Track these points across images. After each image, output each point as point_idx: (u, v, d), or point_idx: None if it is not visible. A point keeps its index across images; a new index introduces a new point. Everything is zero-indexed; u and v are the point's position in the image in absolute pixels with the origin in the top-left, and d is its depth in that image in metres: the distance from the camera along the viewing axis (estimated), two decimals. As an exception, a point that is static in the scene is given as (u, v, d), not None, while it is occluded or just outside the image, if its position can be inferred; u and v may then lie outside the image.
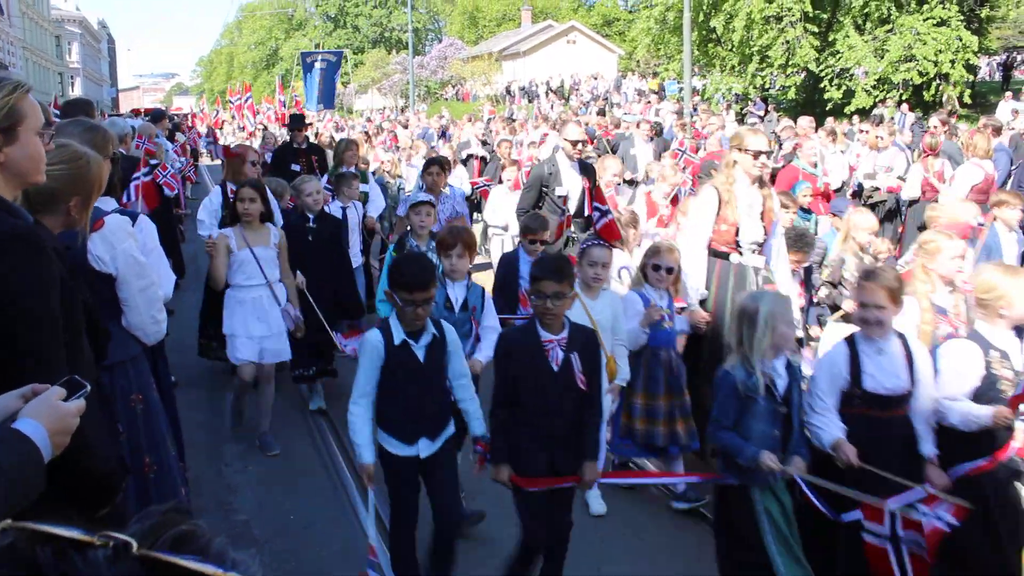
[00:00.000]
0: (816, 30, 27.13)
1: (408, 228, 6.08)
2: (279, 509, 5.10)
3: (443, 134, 22.81)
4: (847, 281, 5.95)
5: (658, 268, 5.07)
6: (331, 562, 4.51)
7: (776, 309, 3.69)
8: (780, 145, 14.32)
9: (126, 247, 3.40)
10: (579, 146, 7.74)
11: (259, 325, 5.82)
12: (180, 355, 7.39)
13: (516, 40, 56.74)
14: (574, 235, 7.31)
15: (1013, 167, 10.64)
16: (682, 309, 5.31)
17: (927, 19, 24.90)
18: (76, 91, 72.37)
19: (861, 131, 14.10)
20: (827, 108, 25.65)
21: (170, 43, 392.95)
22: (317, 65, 22.71)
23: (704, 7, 28.20)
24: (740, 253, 5.37)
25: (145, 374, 3.67)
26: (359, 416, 3.76)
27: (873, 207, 9.82)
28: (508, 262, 5.78)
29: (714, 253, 5.40)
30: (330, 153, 11.35)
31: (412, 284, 3.61)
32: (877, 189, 10.95)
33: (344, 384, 7.20)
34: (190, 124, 31.54)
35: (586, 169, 7.56)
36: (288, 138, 12.16)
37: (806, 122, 13.41)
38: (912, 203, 9.88)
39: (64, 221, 2.75)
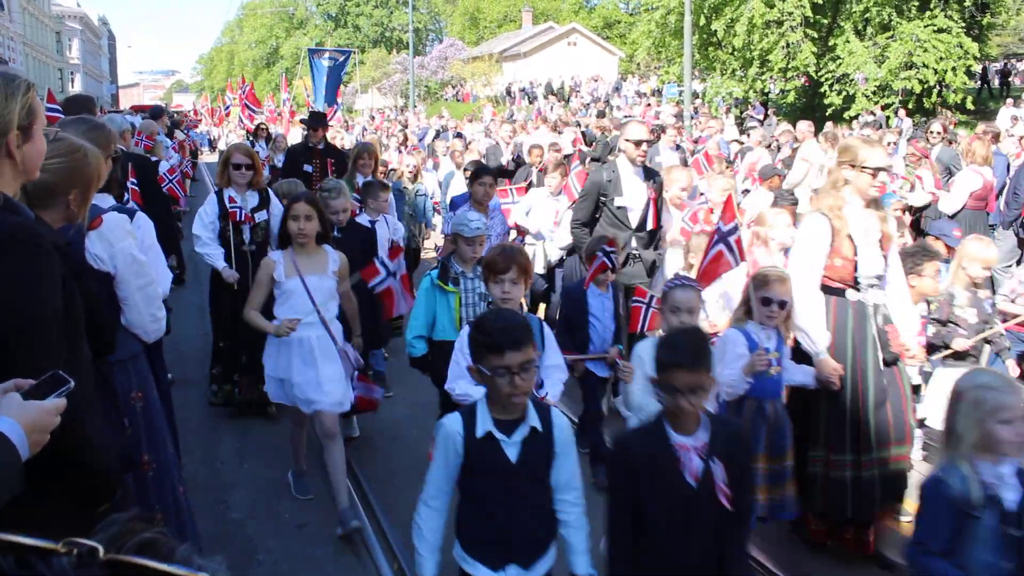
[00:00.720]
0: (816, 35, 27.16)
1: (453, 251, 4.89)
2: (273, 509, 5.09)
3: (437, 135, 22.84)
4: (958, 318, 5.22)
5: (769, 302, 4.19)
6: (324, 562, 4.51)
7: (989, 397, 2.81)
8: (779, 149, 14.35)
9: (125, 245, 3.40)
10: (643, 147, 6.54)
11: (307, 371, 4.75)
12: (176, 353, 7.41)
13: (517, 41, 56.78)
14: (636, 252, 6.46)
15: (1009, 174, 10.65)
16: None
17: (928, 26, 24.93)
18: (76, 87, 72.37)
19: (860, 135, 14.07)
20: (827, 113, 25.68)
21: (171, 40, 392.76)
22: (324, 63, 22.39)
23: (705, 11, 28.22)
24: (857, 289, 4.49)
25: (145, 372, 3.68)
26: (425, 519, 2.91)
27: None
28: (574, 299, 5.22)
29: (826, 290, 4.51)
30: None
31: (504, 343, 2.70)
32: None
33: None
34: (193, 122, 31.52)
35: (651, 175, 6.60)
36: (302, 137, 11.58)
37: (805, 126, 13.42)
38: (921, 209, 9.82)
39: (64, 215, 2.76)
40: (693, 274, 5.09)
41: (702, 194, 7.84)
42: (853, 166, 4.43)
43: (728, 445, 2.82)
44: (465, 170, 9.65)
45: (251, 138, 21.05)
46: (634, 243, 6.42)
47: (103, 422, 2.55)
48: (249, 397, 6.39)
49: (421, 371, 4.96)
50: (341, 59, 23.38)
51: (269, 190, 6.68)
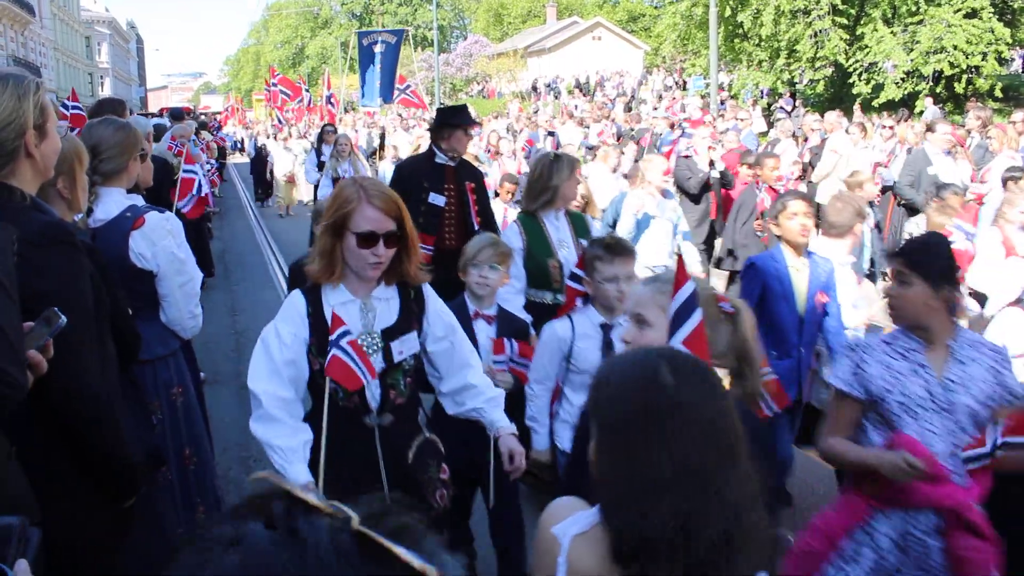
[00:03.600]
0: (845, 23, 26.85)
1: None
2: (307, 505, 5.12)
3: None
4: None
5: None
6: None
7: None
8: (807, 139, 14.21)
9: (166, 244, 3.46)
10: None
11: None
12: (206, 352, 7.47)
13: (541, 37, 56.64)
14: None
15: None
16: None
17: (957, 11, 24.53)
18: (106, 91, 73.17)
19: (884, 127, 13.88)
20: (855, 103, 25.38)
21: (198, 43, 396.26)
22: (376, 48, 19.37)
23: (731, 2, 27.99)
24: None
25: (184, 368, 3.75)
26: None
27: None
28: None
29: None
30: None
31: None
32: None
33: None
34: (219, 124, 31.53)
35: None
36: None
37: (834, 117, 13.27)
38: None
39: (66, 206, 2.79)
40: None
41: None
42: None
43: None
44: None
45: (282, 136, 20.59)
46: None
47: (131, 419, 2.59)
48: None
49: None
50: (394, 41, 20.18)
51: None
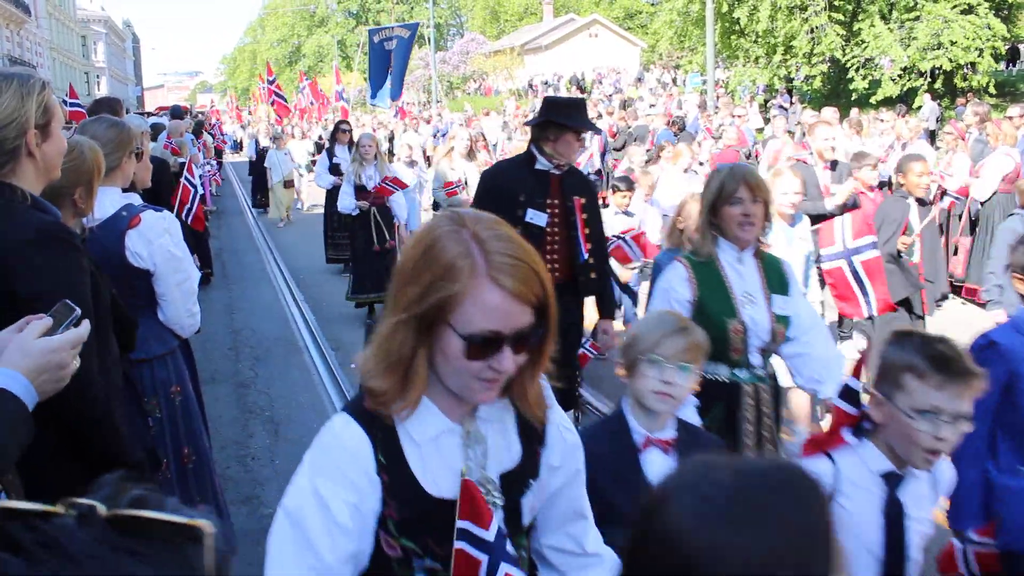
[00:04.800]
0: (841, 19, 26.86)
1: None
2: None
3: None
4: None
5: None
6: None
7: None
8: (803, 135, 14.22)
9: (162, 242, 3.45)
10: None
11: None
12: (204, 351, 7.46)
13: (538, 34, 56.64)
14: None
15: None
16: None
17: (954, 7, 24.54)
18: (102, 90, 73.09)
19: (882, 121, 13.90)
20: (852, 99, 25.39)
21: (194, 42, 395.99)
22: (388, 45, 17.29)
23: (727, -2, 28.02)
24: None
25: (182, 367, 3.75)
26: None
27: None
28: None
29: None
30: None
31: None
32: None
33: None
34: (213, 122, 31.39)
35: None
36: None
37: (830, 113, 13.27)
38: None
39: (73, 212, 2.81)
40: None
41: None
42: None
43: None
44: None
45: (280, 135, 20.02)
46: None
47: (128, 419, 2.59)
48: None
49: None
50: (407, 36, 18.15)
51: None
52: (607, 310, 5.19)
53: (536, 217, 4.76)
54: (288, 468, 5.60)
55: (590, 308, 5.43)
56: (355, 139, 10.22)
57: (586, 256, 4.88)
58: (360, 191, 9.00)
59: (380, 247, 9.00)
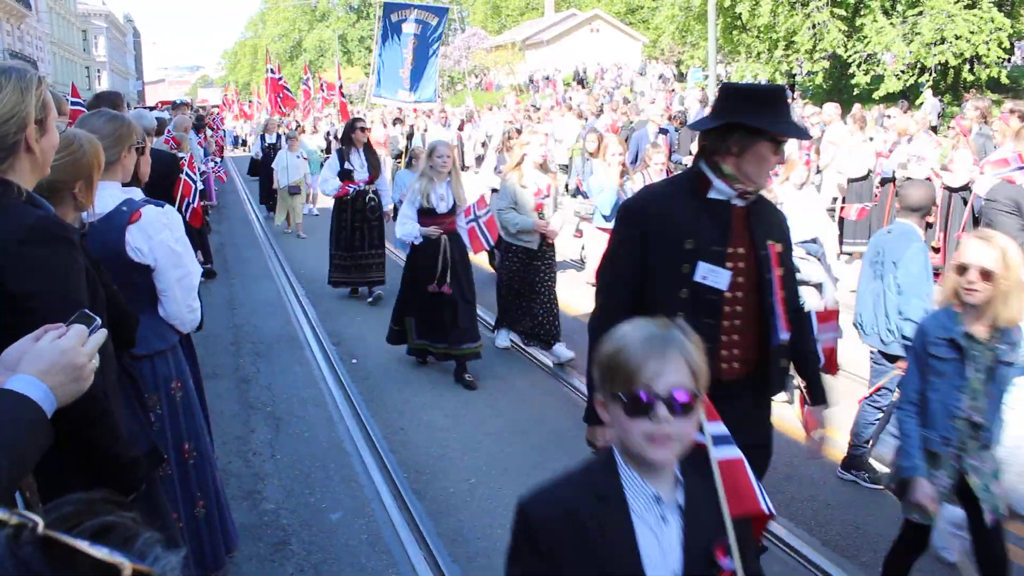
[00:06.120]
0: (843, 14, 26.79)
1: None
2: (306, 500, 5.13)
3: (461, 125, 22.44)
4: None
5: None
6: (359, 551, 4.53)
7: None
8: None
9: (163, 237, 3.44)
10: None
11: None
12: (205, 347, 7.46)
13: (539, 29, 56.56)
14: None
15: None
16: None
17: (957, 1, 24.46)
18: (103, 84, 73.03)
19: (888, 117, 13.88)
20: (854, 94, 25.32)
21: (195, 36, 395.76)
22: (407, 29, 14.76)
23: (729, -7, 27.95)
24: None
25: (183, 362, 3.73)
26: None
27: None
28: None
29: None
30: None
31: None
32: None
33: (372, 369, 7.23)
34: (215, 120, 31.38)
35: None
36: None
37: (832, 108, 13.26)
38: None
39: (73, 206, 2.79)
40: None
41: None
42: None
43: None
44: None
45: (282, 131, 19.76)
46: None
47: (129, 415, 2.58)
48: None
49: None
50: (434, 23, 15.20)
51: None
52: (817, 394, 3.45)
53: (714, 275, 3.04)
54: (289, 463, 5.62)
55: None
56: (371, 139, 9.41)
57: (784, 335, 3.20)
58: (425, 214, 7.06)
59: (438, 288, 7.02)
